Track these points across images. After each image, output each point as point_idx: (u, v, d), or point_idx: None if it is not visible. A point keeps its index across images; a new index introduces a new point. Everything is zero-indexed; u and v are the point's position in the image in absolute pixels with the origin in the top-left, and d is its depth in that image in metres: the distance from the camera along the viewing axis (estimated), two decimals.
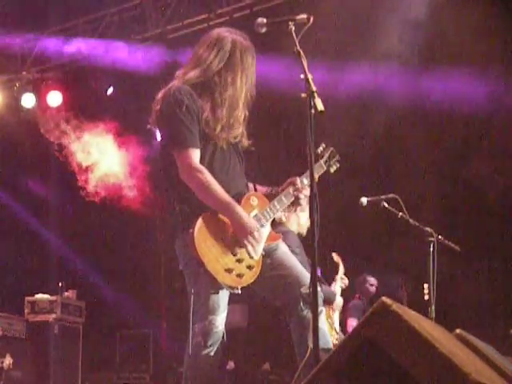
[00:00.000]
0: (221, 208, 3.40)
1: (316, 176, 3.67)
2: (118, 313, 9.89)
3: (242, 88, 3.53)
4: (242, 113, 3.54)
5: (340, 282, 5.91)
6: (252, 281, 3.48)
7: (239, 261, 3.44)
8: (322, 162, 3.86)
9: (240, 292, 3.46)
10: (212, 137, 3.47)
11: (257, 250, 3.48)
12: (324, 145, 3.88)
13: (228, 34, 3.58)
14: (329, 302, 5.43)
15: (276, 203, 3.60)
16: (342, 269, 6.03)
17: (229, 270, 3.39)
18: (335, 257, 6.07)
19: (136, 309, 9.90)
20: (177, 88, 3.47)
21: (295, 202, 3.66)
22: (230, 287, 3.42)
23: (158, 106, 3.53)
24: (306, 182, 3.63)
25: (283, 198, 3.62)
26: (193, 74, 3.51)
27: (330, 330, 5.31)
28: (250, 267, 3.47)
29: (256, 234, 3.41)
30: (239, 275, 3.43)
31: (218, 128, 3.47)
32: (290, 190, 3.62)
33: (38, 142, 9.17)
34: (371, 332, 2.41)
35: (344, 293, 5.96)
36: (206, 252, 3.35)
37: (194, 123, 3.42)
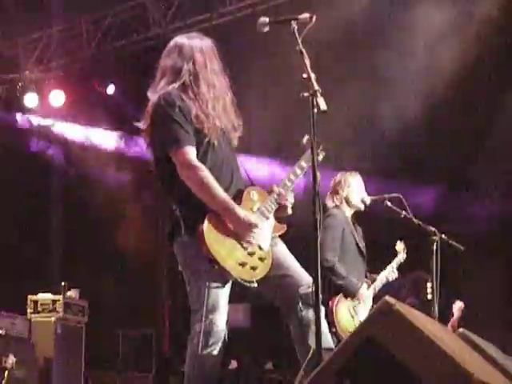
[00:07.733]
0: (217, 205, 3.41)
1: (307, 165, 3.69)
2: (120, 312, 9.89)
3: (214, 82, 3.59)
4: (225, 106, 3.61)
5: (389, 271, 5.49)
6: (265, 273, 3.50)
7: (250, 254, 3.47)
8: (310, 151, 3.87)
9: (257, 285, 3.47)
10: (204, 134, 3.51)
11: (265, 242, 3.51)
12: (307, 136, 3.89)
13: (185, 40, 3.67)
14: (348, 294, 5.20)
15: (275, 195, 3.62)
16: (399, 259, 5.61)
17: (242, 264, 3.43)
18: (398, 245, 5.74)
19: (139, 308, 9.90)
20: (166, 92, 3.54)
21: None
22: (247, 281, 3.44)
23: (150, 113, 3.58)
24: (293, 178, 3.65)
25: (281, 190, 3.64)
26: (165, 81, 3.59)
27: (351, 321, 5.14)
28: (261, 259, 3.51)
29: (259, 225, 3.44)
30: (253, 268, 3.46)
31: (210, 122, 3.51)
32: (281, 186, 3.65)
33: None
34: (374, 331, 2.41)
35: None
36: (218, 249, 3.37)
37: (188, 123, 3.48)
